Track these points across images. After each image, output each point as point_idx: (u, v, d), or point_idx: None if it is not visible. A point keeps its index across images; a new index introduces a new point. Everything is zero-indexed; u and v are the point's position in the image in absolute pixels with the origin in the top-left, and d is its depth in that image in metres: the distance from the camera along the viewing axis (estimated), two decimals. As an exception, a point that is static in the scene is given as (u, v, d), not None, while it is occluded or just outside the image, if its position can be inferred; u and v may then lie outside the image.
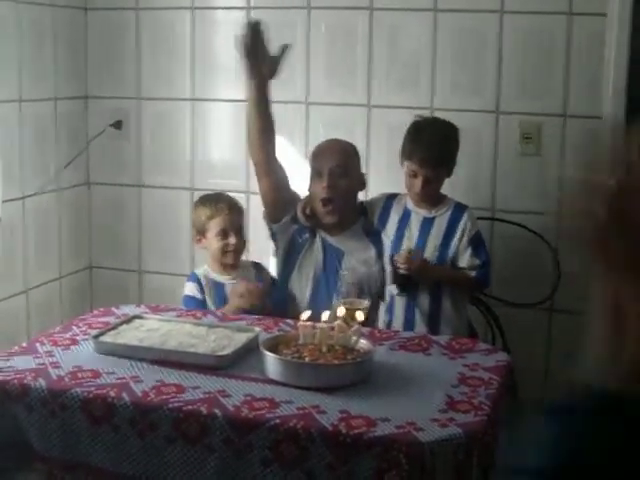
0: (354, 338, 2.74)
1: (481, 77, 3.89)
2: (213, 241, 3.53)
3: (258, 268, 3.68)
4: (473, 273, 3.44)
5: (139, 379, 2.65)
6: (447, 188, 3.55)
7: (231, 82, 4.25)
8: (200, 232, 3.57)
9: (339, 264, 3.50)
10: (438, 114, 3.78)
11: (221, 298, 3.53)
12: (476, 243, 3.45)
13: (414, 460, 2.25)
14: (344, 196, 3.52)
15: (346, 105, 4.09)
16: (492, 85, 3.88)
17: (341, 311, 2.86)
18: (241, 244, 3.56)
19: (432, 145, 3.40)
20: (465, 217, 3.46)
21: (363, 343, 2.77)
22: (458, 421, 2.38)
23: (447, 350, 2.97)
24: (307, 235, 3.57)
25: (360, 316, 2.86)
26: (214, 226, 3.52)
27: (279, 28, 4.12)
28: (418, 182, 3.40)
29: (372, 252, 3.56)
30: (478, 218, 3.58)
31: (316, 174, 3.50)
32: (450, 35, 3.92)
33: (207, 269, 3.58)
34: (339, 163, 3.49)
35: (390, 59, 4.00)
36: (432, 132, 3.44)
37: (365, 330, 2.96)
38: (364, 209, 3.64)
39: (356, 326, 2.78)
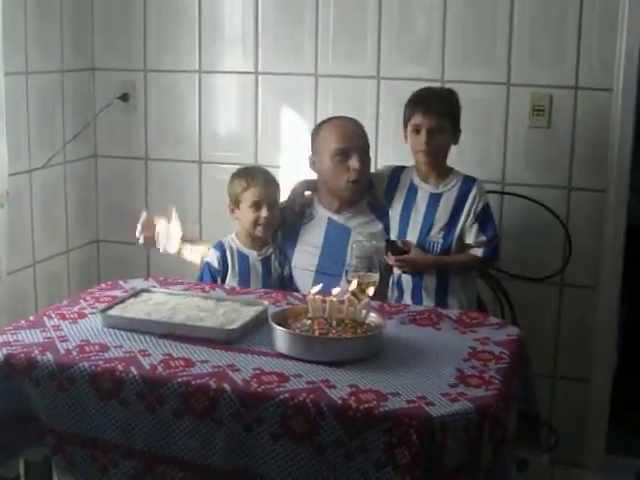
0: (364, 312, 2.71)
1: (492, 49, 3.84)
2: (246, 212, 3.54)
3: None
4: (479, 251, 3.40)
5: (147, 353, 2.63)
6: (456, 161, 3.52)
7: (239, 53, 4.22)
8: (234, 203, 3.58)
9: (346, 241, 3.49)
10: (448, 86, 3.74)
11: (244, 270, 3.54)
12: (483, 218, 3.40)
13: (424, 435, 2.23)
14: (368, 175, 3.61)
15: (355, 77, 4.05)
16: (503, 57, 3.83)
17: (351, 285, 2.84)
18: (273, 218, 3.56)
19: (432, 97, 3.42)
20: (474, 190, 3.41)
21: (373, 317, 2.75)
22: (469, 396, 2.36)
23: (457, 324, 2.95)
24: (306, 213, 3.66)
25: (370, 290, 2.84)
26: (248, 198, 3.53)
27: (289, 2, 4.10)
28: (422, 136, 3.38)
29: (379, 227, 3.57)
30: (488, 192, 3.54)
31: (342, 155, 3.51)
32: (461, 6, 3.87)
33: (234, 239, 3.59)
34: (366, 145, 3.59)
35: (400, 31, 3.95)
36: (431, 91, 3.48)
37: (375, 304, 2.94)
38: (370, 183, 3.62)
39: (366, 300, 2.76)
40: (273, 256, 3.61)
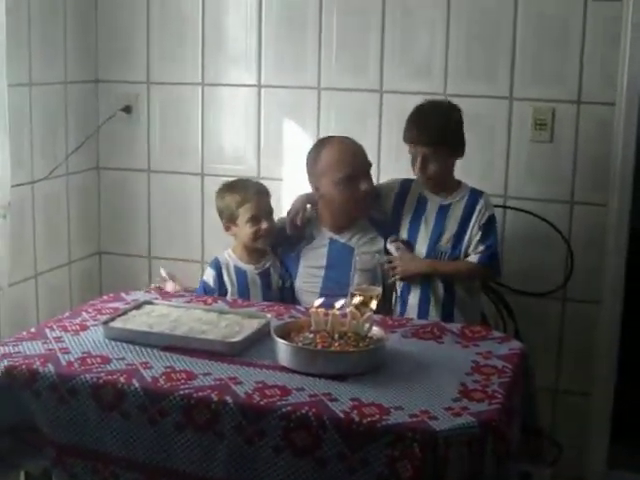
0: (366, 325, 2.71)
1: (495, 63, 3.85)
2: (244, 228, 3.51)
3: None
4: (475, 257, 3.39)
5: (149, 365, 2.62)
6: (459, 175, 3.52)
7: (242, 66, 4.22)
8: (230, 220, 3.54)
9: (350, 261, 3.48)
10: (451, 100, 3.74)
11: (243, 285, 3.52)
12: (486, 227, 3.39)
13: (428, 449, 2.23)
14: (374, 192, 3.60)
15: (358, 91, 4.05)
16: (505, 71, 3.84)
17: (354, 298, 2.84)
18: (272, 228, 3.55)
19: (426, 123, 3.37)
20: (481, 202, 3.41)
21: (375, 330, 2.74)
22: (472, 410, 2.35)
23: (460, 338, 2.94)
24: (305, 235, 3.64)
25: (373, 303, 2.83)
26: (245, 212, 3.50)
27: (291, 10, 4.10)
28: (417, 163, 3.38)
29: (381, 243, 3.55)
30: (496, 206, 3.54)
31: (350, 181, 3.48)
32: (464, 21, 3.87)
33: (231, 254, 3.57)
34: (368, 164, 3.58)
35: (403, 44, 3.96)
36: (428, 112, 3.42)
37: (377, 317, 2.93)
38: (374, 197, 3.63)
39: (368, 313, 2.75)
40: (272, 269, 3.60)
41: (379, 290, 3.04)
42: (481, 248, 3.38)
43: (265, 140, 4.24)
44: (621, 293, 3.86)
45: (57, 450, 2.59)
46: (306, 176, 3.63)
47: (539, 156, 3.86)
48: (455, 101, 3.54)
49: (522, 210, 3.84)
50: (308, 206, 3.69)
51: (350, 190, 3.49)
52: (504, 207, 3.89)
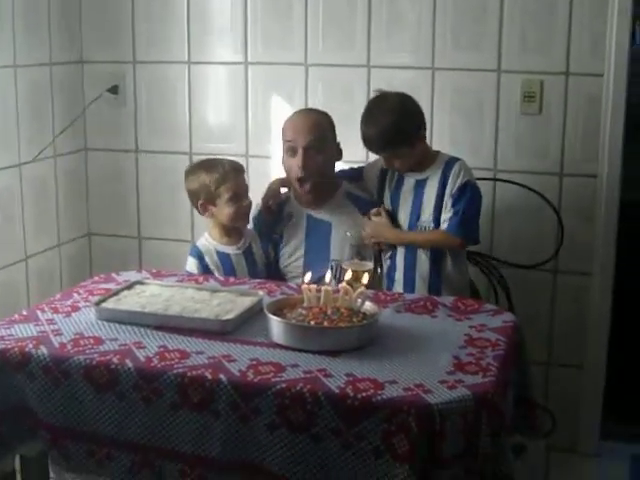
0: (359, 300, 2.71)
1: (482, 36, 3.83)
2: (225, 207, 3.44)
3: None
4: (445, 225, 3.35)
5: (142, 345, 2.62)
6: (448, 149, 3.51)
7: (228, 44, 4.20)
8: (209, 200, 3.46)
9: (329, 236, 3.49)
10: (439, 73, 3.74)
11: (229, 268, 3.48)
12: (459, 194, 3.33)
13: (423, 422, 2.22)
14: (321, 171, 3.51)
15: (345, 66, 4.03)
16: (493, 44, 3.82)
17: (347, 274, 2.83)
18: (251, 205, 3.52)
19: (375, 132, 3.33)
20: (454, 169, 3.36)
21: (368, 305, 2.74)
22: (466, 383, 2.35)
23: (453, 311, 2.94)
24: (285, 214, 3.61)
25: (365, 278, 2.83)
26: (225, 191, 3.43)
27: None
28: (383, 163, 3.44)
29: (359, 218, 3.54)
30: (480, 179, 3.52)
31: (290, 150, 3.47)
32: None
33: (210, 240, 3.52)
34: (314, 138, 3.46)
35: (390, 18, 3.94)
36: (376, 118, 3.34)
37: (370, 292, 2.93)
38: (350, 174, 3.63)
39: (361, 288, 2.75)
40: (254, 246, 3.56)
41: (370, 265, 3.03)
42: (449, 215, 3.33)
43: (253, 118, 4.22)
44: (612, 264, 3.86)
45: (52, 433, 2.58)
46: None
47: (528, 128, 3.86)
48: (443, 75, 3.51)
49: (512, 182, 3.82)
50: (284, 189, 3.67)
51: (290, 161, 3.48)
52: (494, 180, 3.88)
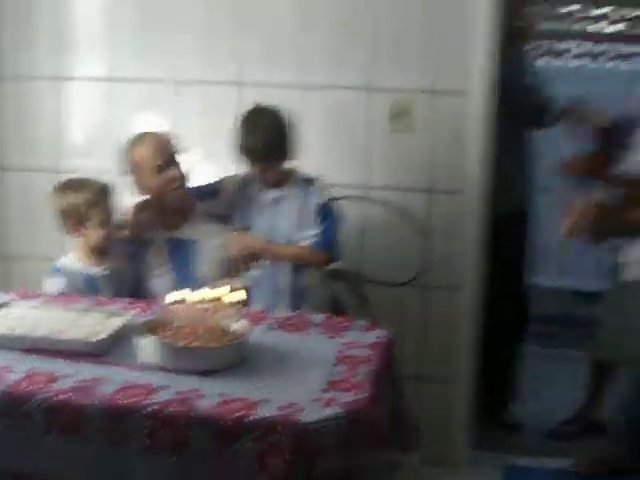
0: (230, 319, 2.69)
1: (352, 53, 3.86)
2: (95, 231, 3.35)
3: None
4: (307, 242, 3.43)
5: (10, 369, 2.55)
6: (319, 166, 3.53)
7: (92, 59, 4.13)
8: (79, 222, 3.35)
9: (193, 255, 3.48)
10: (308, 90, 3.74)
11: (94, 291, 3.37)
12: (322, 212, 3.45)
13: (297, 442, 2.22)
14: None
15: (214, 83, 4.01)
16: (363, 61, 3.85)
17: (216, 291, 2.81)
18: (120, 227, 3.47)
19: (259, 141, 3.37)
20: (315, 186, 3.47)
21: (239, 324, 2.73)
22: (339, 400, 2.36)
23: (325, 329, 2.95)
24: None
25: (234, 296, 2.81)
26: (96, 215, 3.33)
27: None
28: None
29: (223, 231, 3.53)
30: (347, 197, 3.55)
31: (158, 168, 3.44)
32: (319, 11, 3.88)
33: (74, 261, 3.42)
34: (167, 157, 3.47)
35: (252, 29, 3.93)
36: (260, 128, 3.40)
37: (240, 310, 2.91)
38: (209, 192, 3.61)
39: (231, 307, 2.73)
40: (122, 266, 3.49)
41: (240, 282, 3.02)
42: (314, 233, 3.42)
43: (117, 135, 4.15)
44: (481, 278, 3.94)
45: None
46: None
47: (398, 146, 3.90)
48: (313, 94, 3.52)
49: (376, 200, 3.86)
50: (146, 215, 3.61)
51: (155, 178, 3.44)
52: (359, 198, 3.90)
